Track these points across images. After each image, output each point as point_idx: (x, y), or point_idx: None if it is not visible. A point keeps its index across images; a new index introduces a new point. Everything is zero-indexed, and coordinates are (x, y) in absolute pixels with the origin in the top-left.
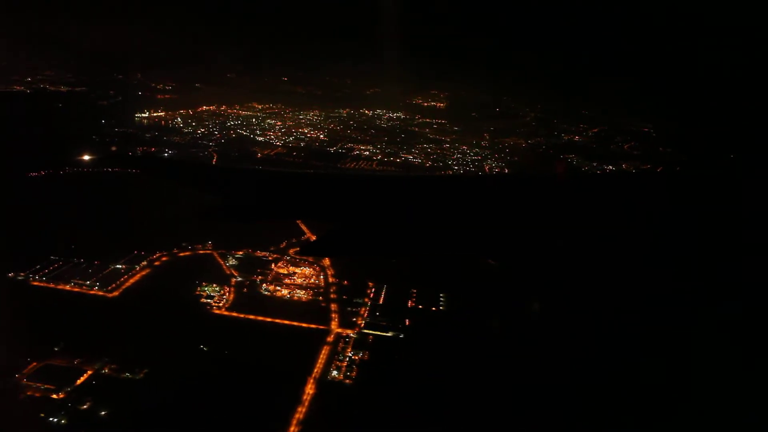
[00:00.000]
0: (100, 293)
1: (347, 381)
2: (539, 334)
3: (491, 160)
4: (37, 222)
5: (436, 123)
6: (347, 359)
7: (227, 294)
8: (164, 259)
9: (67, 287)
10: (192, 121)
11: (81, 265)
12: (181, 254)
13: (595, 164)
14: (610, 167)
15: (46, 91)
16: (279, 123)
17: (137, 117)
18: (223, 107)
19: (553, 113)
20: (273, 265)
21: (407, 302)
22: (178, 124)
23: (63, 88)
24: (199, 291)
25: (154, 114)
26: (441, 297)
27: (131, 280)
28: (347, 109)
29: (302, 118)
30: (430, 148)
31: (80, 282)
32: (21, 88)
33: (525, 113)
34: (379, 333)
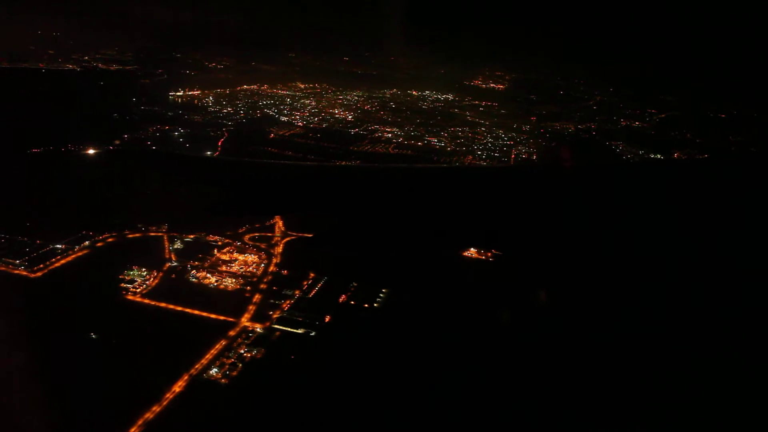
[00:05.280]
0: (24, 273)
1: (223, 380)
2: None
3: (523, 146)
4: (5, 198)
5: (484, 105)
6: (237, 356)
7: (151, 279)
8: (110, 240)
9: None
10: (224, 100)
11: (21, 244)
12: (131, 236)
13: (641, 152)
14: (658, 155)
15: (96, 70)
16: (313, 103)
17: (171, 95)
18: (265, 86)
19: (624, 97)
20: (216, 251)
21: (339, 297)
22: (208, 103)
23: (114, 67)
24: (123, 275)
25: (189, 92)
26: (381, 293)
27: (62, 261)
28: (393, 90)
29: (341, 99)
30: (461, 131)
31: (9, 260)
32: (73, 66)
33: (591, 97)
34: (289, 329)
